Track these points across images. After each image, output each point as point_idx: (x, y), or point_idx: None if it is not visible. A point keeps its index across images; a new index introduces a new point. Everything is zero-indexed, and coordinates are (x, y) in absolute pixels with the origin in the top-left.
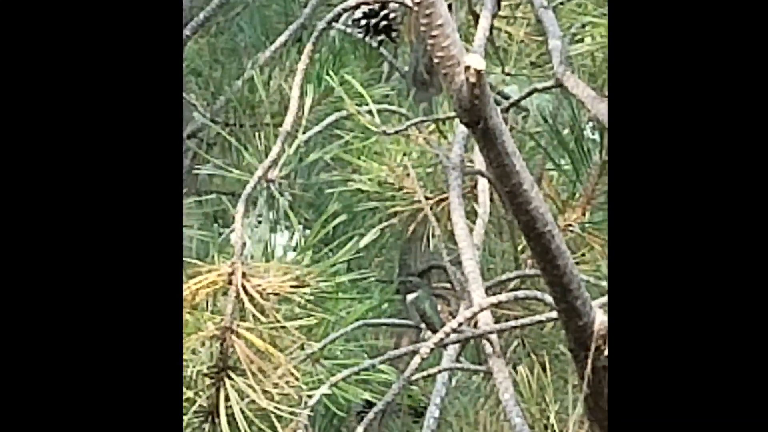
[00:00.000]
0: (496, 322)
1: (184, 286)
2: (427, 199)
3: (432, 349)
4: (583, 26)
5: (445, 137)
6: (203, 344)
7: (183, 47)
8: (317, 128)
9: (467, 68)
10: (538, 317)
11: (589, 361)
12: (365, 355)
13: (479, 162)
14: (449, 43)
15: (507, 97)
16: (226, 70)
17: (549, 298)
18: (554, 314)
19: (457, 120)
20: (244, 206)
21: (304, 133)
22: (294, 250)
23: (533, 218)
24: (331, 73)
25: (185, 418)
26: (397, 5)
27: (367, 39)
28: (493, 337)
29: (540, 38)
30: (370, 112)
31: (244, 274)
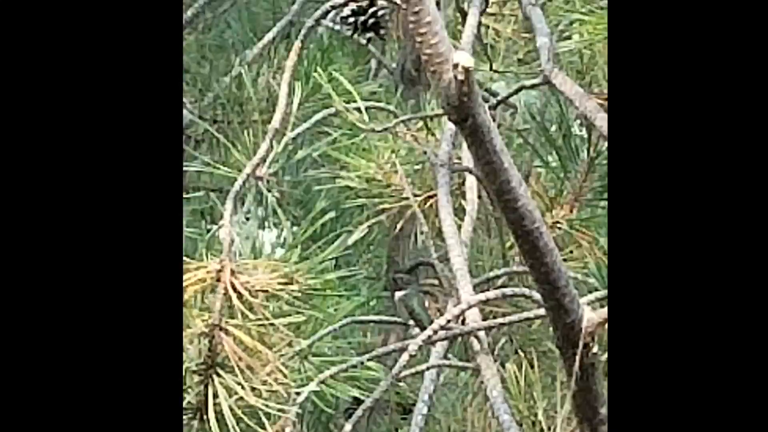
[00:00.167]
0: (484, 319)
1: None
2: (415, 196)
3: (420, 346)
4: (571, 23)
5: (433, 134)
6: (192, 341)
7: (183, 43)
8: (305, 125)
9: (455, 66)
10: (526, 314)
11: (577, 358)
12: (353, 352)
13: (467, 159)
14: (437, 41)
15: (495, 94)
16: (213, 66)
17: (537, 295)
18: (542, 311)
19: (445, 117)
20: (233, 203)
21: (292, 130)
22: (282, 247)
23: (521, 215)
24: (319, 70)
25: None
26: (385, 2)
27: (355, 36)
28: (481, 334)
29: (528, 35)
30: (358, 109)
31: (232, 272)
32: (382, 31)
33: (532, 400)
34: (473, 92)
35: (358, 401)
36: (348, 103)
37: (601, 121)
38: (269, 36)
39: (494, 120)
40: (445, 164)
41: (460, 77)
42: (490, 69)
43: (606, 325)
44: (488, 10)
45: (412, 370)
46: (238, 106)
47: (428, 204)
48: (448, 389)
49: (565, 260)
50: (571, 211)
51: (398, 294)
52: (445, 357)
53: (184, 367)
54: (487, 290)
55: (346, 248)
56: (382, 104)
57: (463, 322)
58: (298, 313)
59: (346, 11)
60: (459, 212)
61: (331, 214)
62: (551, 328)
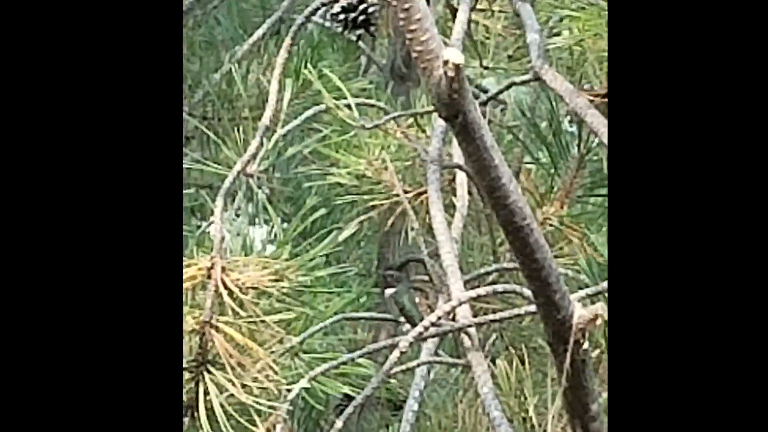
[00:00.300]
0: (475, 315)
1: None
2: (405, 192)
3: (411, 343)
4: (561, 20)
5: (424, 131)
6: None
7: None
8: (296, 122)
9: (446, 62)
10: (516, 311)
11: (568, 354)
12: (344, 349)
13: (457, 156)
14: (428, 38)
15: (485, 91)
16: (203, 63)
17: (527, 292)
18: (533, 308)
19: (435, 114)
20: (223, 200)
21: (282, 127)
22: (272, 243)
23: (512, 212)
24: (309, 66)
25: None
26: None
27: (345, 33)
28: (472, 330)
29: (518, 32)
30: (348, 106)
31: (223, 269)
32: (372, 28)
33: (523, 397)
34: (463, 89)
35: (348, 398)
36: (338, 99)
37: (592, 117)
38: (259, 33)
39: (484, 116)
40: (436, 161)
41: (451, 74)
42: (481, 65)
43: (597, 322)
44: (478, 6)
45: (403, 367)
46: (228, 103)
47: (419, 201)
48: (439, 386)
49: (555, 257)
50: (562, 208)
51: (389, 291)
52: (436, 354)
53: None
54: (478, 287)
55: (337, 245)
56: (372, 101)
57: (453, 319)
58: (288, 309)
59: (336, 8)
60: (449, 209)
61: (322, 211)
62: (542, 325)
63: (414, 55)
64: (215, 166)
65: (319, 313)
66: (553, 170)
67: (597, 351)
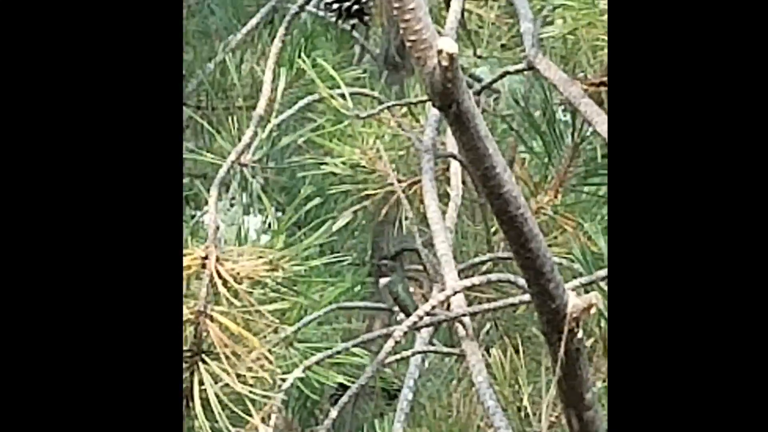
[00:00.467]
0: (469, 304)
1: None
2: (399, 182)
3: (405, 332)
4: (555, 9)
5: (418, 120)
6: None
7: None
8: (290, 111)
9: (439, 52)
10: (511, 300)
11: (563, 343)
12: (338, 339)
13: (451, 145)
14: (421, 27)
15: (479, 80)
16: (197, 52)
17: (522, 281)
18: (527, 297)
19: (429, 103)
20: (218, 190)
21: (276, 116)
22: (267, 233)
23: (506, 201)
24: (303, 56)
25: None
26: None
27: (339, 22)
28: (466, 319)
29: (511, 21)
30: (342, 95)
31: (217, 258)
32: (366, 17)
33: (518, 386)
34: (457, 78)
35: (343, 387)
36: (332, 89)
37: (586, 106)
38: (253, 22)
39: (478, 105)
40: (430, 150)
41: (444, 63)
42: (474, 54)
43: (591, 311)
44: None
45: (398, 356)
46: (222, 93)
47: (413, 190)
48: (434, 375)
49: (549, 246)
50: (556, 197)
51: (383, 280)
52: (431, 343)
53: None
54: (472, 276)
55: (331, 234)
56: (366, 90)
57: (448, 308)
58: (283, 299)
59: None
60: (444, 198)
61: (316, 201)
62: (536, 314)
63: (408, 44)
64: (210, 155)
65: (314, 303)
66: (547, 159)
67: (591, 340)
